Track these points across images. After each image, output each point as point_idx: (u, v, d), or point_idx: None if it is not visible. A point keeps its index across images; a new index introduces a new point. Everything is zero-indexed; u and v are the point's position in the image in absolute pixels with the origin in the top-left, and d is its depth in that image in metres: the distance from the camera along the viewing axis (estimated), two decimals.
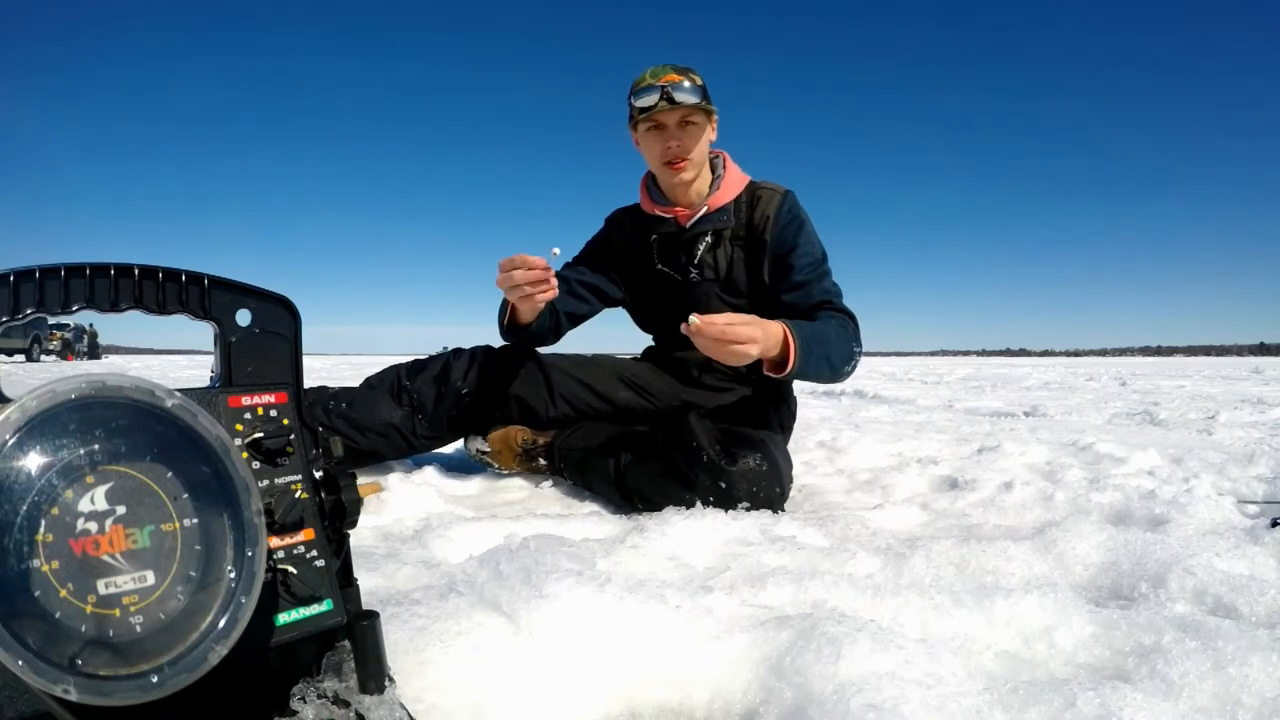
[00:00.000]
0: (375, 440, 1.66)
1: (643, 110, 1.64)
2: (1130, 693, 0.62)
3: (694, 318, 1.31)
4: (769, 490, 1.41)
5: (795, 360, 1.40)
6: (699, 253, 1.75)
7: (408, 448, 1.71)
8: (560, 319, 1.76)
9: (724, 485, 1.38)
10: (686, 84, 1.62)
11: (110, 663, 0.38)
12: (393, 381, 1.70)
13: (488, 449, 1.74)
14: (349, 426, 1.64)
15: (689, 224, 1.74)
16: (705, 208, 1.72)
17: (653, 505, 1.41)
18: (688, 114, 1.64)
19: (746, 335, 1.31)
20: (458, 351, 1.74)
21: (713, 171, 1.76)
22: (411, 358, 1.79)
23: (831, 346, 1.51)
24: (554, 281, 1.46)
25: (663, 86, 1.61)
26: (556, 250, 1.47)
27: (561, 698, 0.65)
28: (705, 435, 1.45)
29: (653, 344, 1.96)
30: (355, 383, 1.74)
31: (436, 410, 1.67)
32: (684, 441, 1.45)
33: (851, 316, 1.64)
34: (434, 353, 1.79)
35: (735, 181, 1.75)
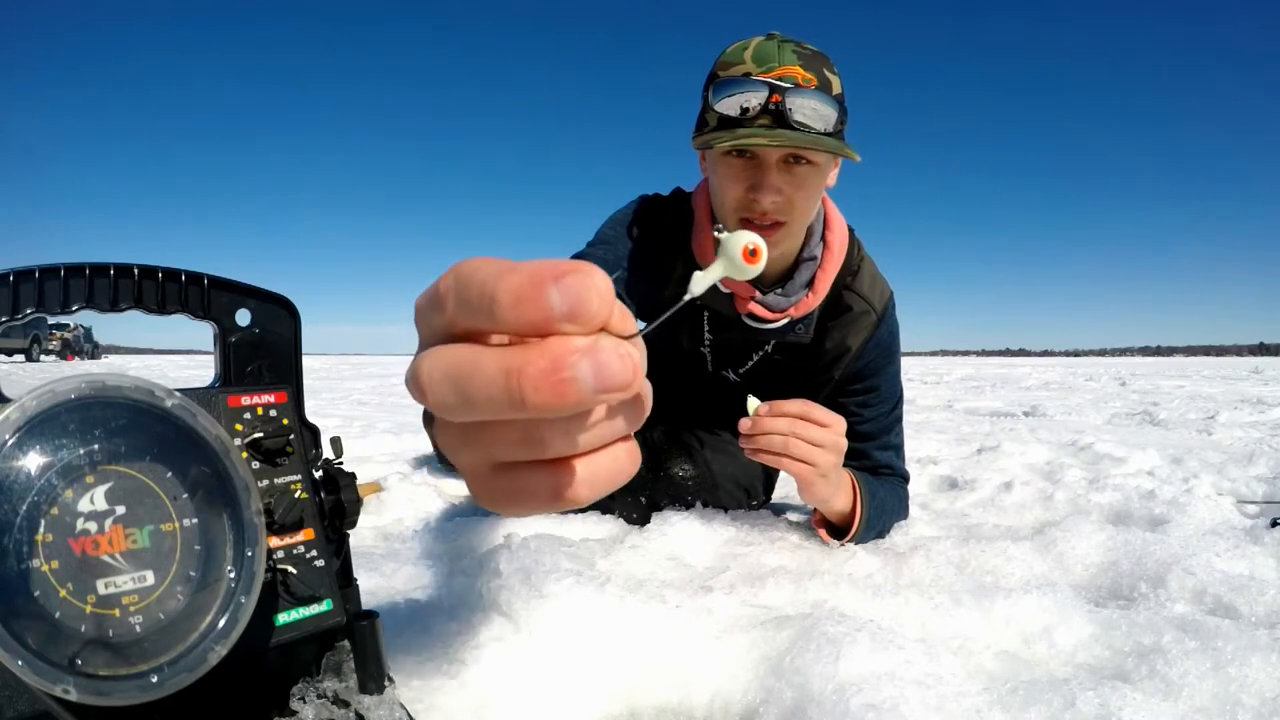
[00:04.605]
0: None
1: (728, 121, 0.96)
2: (1130, 693, 0.62)
3: (754, 401, 0.99)
4: (701, 499, 1.23)
5: (855, 532, 1.09)
6: (751, 361, 1.24)
7: None
8: None
9: (644, 500, 1.23)
10: (815, 92, 0.94)
11: (110, 663, 0.38)
12: None
13: None
14: None
15: (752, 322, 1.14)
16: (786, 314, 1.12)
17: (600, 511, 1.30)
18: (805, 149, 0.96)
19: (823, 459, 0.97)
20: None
21: (807, 236, 1.11)
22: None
23: (886, 522, 1.19)
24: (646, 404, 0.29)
25: (774, 86, 0.93)
26: None
27: (561, 698, 0.65)
28: None
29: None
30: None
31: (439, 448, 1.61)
32: None
33: (906, 480, 1.28)
34: None
35: (834, 271, 1.13)
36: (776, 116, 0.94)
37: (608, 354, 0.23)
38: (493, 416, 0.25)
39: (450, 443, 0.28)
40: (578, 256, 1.07)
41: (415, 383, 0.27)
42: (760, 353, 1.22)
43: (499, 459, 0.27)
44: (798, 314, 1.13)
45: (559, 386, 0.23)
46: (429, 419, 1.56)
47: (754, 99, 0.94)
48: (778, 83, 0.94)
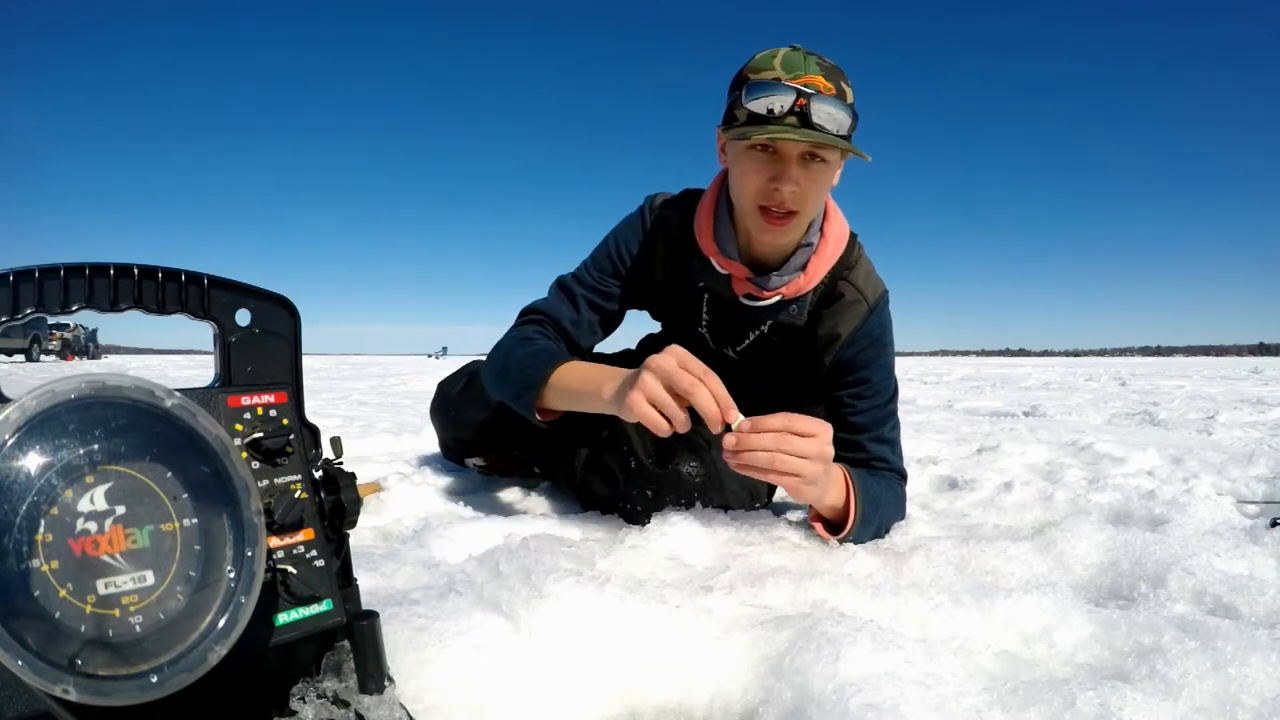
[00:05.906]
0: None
1: (756, 119, 1.07)
2: (1130, 693, 0.62)
3: (736, 417, 1.00)
4: (707, 500, 1.23)
5: (850, 530, 1.11)
6: (748, 340, 1.32)
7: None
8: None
9: (650, 494, 1.23)
10: (834, 100, 1.06)
11: (110, 663, 0.38)
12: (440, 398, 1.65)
13: (483, 462, 1.72)
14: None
15: (749, 301, 1.24)
16: (779, 293, 1.21)
17: (601, 506, 1.32)
18: (825, 147, 1.08)
19: (809, 470, 1.00)
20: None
21: (808, 226, 1.21)
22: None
23: (883, 521, 1.20)
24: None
25: (800, 91, 1.04)
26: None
27: (561, 698, 0.65)
28: (638, 436, 1.27)
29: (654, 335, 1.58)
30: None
31: (445, 441, 1.68)
32: (617, 445, 1.30)
33: (904, 478, 1.31)
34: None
35: (828, 258, 1.22)
36: (801, 118, 1.05)
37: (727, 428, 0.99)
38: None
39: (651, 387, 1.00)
40: (575, 271, 1.35)
41: (671, 371, 1.00)
42: (756, 332, 1.31)
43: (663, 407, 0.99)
44: (789, 293, 1.22)
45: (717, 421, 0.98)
46: (438, 409, 1.55)
47: (782, 101, 1.05)
48: (803, 89, 1.05)
